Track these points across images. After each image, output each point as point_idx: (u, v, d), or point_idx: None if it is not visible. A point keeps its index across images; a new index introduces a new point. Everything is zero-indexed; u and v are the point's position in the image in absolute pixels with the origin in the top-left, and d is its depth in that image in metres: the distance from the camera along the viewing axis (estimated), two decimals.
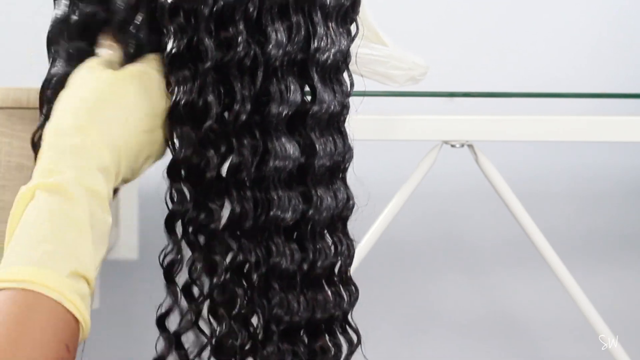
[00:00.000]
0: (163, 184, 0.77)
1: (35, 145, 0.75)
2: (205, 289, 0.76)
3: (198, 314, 0.77)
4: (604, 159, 1.95)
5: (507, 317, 2.00)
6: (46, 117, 0.75)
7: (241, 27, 0.73)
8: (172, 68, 0.74)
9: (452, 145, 1.56)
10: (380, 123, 1.52)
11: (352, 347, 0.81)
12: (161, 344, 0.77)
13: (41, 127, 0.75)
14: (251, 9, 0.74)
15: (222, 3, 0.73)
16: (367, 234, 1.54)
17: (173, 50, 0.73)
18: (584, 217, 1.97)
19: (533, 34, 1.94)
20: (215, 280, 0.75)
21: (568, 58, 1.93)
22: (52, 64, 0.77)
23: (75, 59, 0.76)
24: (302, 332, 0.78)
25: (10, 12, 1.85)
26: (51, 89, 0.76)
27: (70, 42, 0.77)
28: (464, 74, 1.90)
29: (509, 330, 2.00)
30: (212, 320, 0.77)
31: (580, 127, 1.56)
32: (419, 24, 1.91)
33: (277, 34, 0.75)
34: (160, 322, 0.78)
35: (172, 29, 0.73)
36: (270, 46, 0.74)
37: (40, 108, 0.77)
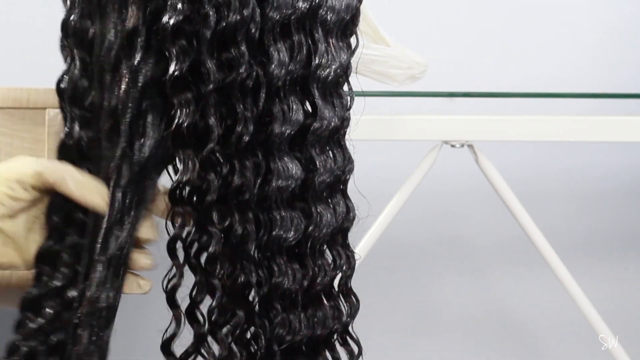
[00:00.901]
0: (163, 184, 0.77)
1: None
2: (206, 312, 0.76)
3: (200, 338, 0.76)
4: (604, 159, 1.95)
5: (507, 317, 2.00)
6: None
7: (243, 48, 0.73)
8: (174, 91, 0.73)
9: (452, 145, 1.56)
10: (380, 123, 1.52)
11: (353, 359, 0.81)
12: None
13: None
14: (253, 30, 0.73)
15: (224, 24, 0.72)
16: (367, 233, 1.54)
17: (176, 73, 0.72)
18: (584, 217, 1.97)
19: (533, 34, 1.94)
20: (214, 303, 0.75)
21: (568, 58, 1.93)
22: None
23: None
24: (302, 349, 0.78)
25: (10, 12, 1.85)
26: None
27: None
28: (464, 74, 1.90)
29: (508, 330, 2.00)
30: (212, 342, 0.77)
31: (580, 127, 1.56)
32: (419, 24, 1.90)
33: (280, 53, 0.74)
34: (166, 347, 0.77)
35: (174, 51, 0.72)
36: (273, 66, 0.74)
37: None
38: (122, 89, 0.72)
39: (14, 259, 0.75)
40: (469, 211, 1.97)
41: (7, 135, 1.32)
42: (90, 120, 0.75)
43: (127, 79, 0.72)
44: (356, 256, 0.81)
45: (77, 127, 0.76)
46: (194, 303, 0.76)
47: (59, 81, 0.77)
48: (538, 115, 1.62)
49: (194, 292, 0.76)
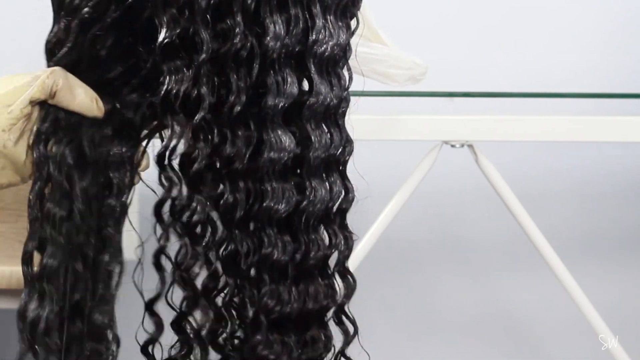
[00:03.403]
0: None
1: None
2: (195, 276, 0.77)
3: (189, 302, 0.77)
4: (604, 159, 1.95)
5: (507, 317, 2.00)
6: None
7: (239, 18, 0.73)
8: (164, 57, 0.74)
9: (452, 145, 1.56)
10: (380, 123, 1.52)
11: (349, 338, 0.81)
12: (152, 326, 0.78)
13: None
14: (249, 1, 0.74)
15: None
16: (367, 233, 1.54)
17: (165, 40, 0.73)
18: (584, 217, 1.97)
19: (533, 34, 1.94)
20: (198, 270, 0.76)
21: (568, 58, 1.93)
22: None
23: None
24: (292, 322, 0.78)
25: (10, 12, 1.85)
26: None
27: None
28: (464, 74, 1.90)
29: (508, 330, 2.00)
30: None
31: (580, 127, 1.56)
32: (419, 24, 1.91)
33: (275, 26, 0.74)
34: (149, 306, 0.78)
35: (164, 19, 0.73)
36: (268, 38, 0.74)
37: None
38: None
39: (12, 178, 0.76)
40: (469, 211, 1.97)
41: None
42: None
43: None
44: (354, 237, 0.81)
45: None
46: (179, 266, 0.76)
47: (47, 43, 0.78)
48: (538, 115, 1.62)
49: (178, 257, 0.76)
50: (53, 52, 0.77)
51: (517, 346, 2.01)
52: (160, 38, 0.73)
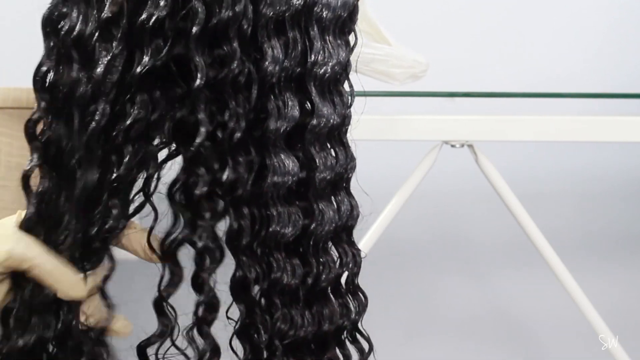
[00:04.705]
0: (163, 184, 0.77)
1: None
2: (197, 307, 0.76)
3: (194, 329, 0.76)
4: (604, 159, 1.95)
5: (507, 317, 2.00)
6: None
7: (235, 45, 0.72)
8: (140, 86, 0.71)
9: (452, 145, 1.56)
10: (380, 123, 1.52)
11: (364, 356, 0.81)
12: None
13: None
14: (245, 26, 0.72)
15: (215, 21, 0.71)
16: (367, 233, 1.54)
17: (145, 69, 0.70)
18: (584, 217, 1.97)
19: (533, 35, 1.94)
20: (202, 297, 0.74)
21: (568, 58, 1.93)
22: None
23: None
24: (309, 345, 0.78)
25: (10, 12, 1.85)
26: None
27: None
28: (464, 74, 1.90)
29: (508, 330, 2.00)
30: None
31: (580, 127, 1.56)
32: (420, 24, 1.91)
33: (273, 50, 0.73)
34: (141, 351, 0.77)
35: (149, 49, 0.71)
36: (267, 62, 0.73)
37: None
38: (98, 75, 0.71)
39: None
40: (469, 211, 1.97)
41: (7, 136, 1.32)
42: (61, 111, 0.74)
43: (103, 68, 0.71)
44: (362, 254, 0.81)
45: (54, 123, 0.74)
46: (162, 298, 0.75)
47: (36, 72, 0.75)
48: (538, 115, 1.62)
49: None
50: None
51: (517, 346, 2.01)
52: (140, 67, 0.71)
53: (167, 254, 0.74)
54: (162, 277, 0.75)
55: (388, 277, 1.96)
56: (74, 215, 0.73)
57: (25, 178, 0.74)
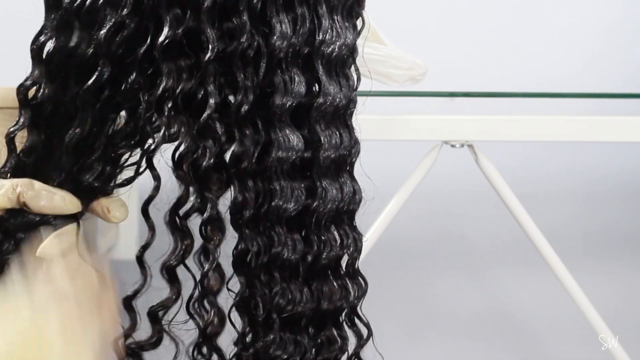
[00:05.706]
0: (163, 184, 0.77)
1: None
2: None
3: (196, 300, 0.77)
4: (604, 159, 1.95)
5: (507, 317, 2.00)
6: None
7: (245, 17, 0.73)
8: (165, 56, 0.73)
9: (452, 145, 1.56)
10: (380, 123, 1.52)
11: (362, 341, 0.81)
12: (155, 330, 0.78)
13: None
14: (255, 0, 0.74)
15: None
16: (367, 233, 1.54)
17: (167, 40, 0.72)
18: (584, 217, 1.97)
19: (533, 34, 1.94)
20: (207, 267, 0.76)
21: (568, 58, 1.93)
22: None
23: None
24: (307, 322, 0.78)
25: (10, 12, 1.85)
26: None
27: None
28: (464, 74, 1.90)
29: (508, 330, 2.00)
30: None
31: (580, 127, 1.56)
32: (419, 24, 1.91)
33: (282, 25, 0.74)
34: (153, 315, 0.78)
35: (167, 18, 0.72)
36: (275, 37, 0.74)
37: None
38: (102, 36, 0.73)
39: None
40: (469, 211, 1.97)
41: None
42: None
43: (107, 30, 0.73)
44: (364, 239, 0.82)
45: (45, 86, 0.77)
46: (168, 265, 0.76)
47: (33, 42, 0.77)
48: (538, 115, 1.62)
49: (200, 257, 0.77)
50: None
51: (517, 346, 2.01)
52: (162, 37, 0.72)
53: (175, 224, 0.75)
54: (174, 248, 0.76)
55: (388, 276, 1.96)
56: (64, 163, 0.75)
57: (10, 138, 0.79)
